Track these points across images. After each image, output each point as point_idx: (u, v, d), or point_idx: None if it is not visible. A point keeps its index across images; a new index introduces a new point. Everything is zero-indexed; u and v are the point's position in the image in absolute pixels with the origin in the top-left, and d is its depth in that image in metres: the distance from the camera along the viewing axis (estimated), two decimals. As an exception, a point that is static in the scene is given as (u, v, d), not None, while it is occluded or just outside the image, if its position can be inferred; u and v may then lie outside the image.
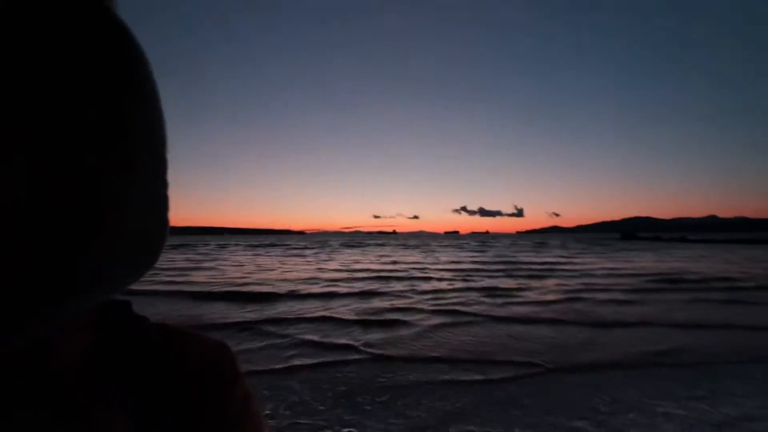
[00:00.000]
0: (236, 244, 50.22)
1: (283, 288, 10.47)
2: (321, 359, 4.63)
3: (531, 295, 9.44)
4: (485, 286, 11.04)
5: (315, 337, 5.56)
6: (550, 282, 11.93)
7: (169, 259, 21.79)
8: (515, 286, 11.00)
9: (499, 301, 8.69)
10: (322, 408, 3.32)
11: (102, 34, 0.23)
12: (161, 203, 0.27)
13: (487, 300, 8.80)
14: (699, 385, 3.78)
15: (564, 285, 11.15)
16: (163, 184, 0.27)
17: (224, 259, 22.27)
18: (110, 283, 0.25)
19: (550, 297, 9.12)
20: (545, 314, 7.15)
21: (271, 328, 6.05)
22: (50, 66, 0.20)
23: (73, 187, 0.21)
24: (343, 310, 7.55)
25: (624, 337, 5.58)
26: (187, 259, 21.79)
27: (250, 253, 29.58)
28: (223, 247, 40.41)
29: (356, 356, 4.78)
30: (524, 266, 17.58)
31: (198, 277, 13.32)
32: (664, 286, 10.71)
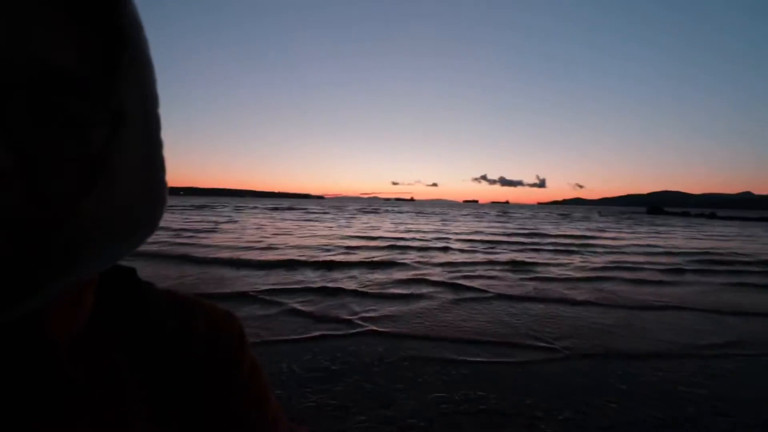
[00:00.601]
0: (254, 207, 50.41)
1: (293, 254, 10.10)
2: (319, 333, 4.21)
3: (556, 271, 8.78)
4: (508, 259, 10.40)
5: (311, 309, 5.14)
6: (577, 258, 11.18)
7: (192, 219, 21.91)
8: (542, 261, 10.33)
9: (521, 276, 8.08)
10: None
11: None
12: (156, 163, 0.27)
13: (510, 275, 8.20)
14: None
15: (591, 262, 10.39)
16: (157, 143, 0.27)
17: (242, 223, 22.15)
18: (106, 248, 0.25)
19: (578, 274, 8.45)
20: (574, 294, 6.51)
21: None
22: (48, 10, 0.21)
23: (59, 140, 0.21)
24: (351, 283, 7.09)
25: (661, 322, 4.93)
26: (203, 220, 21.76)
27: (266, 217, 29.42)
28: (239, 209, 40.54)
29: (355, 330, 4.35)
30: (549, 239, 16.77)
31: (212, 239, 13.12)
32: (704, 267, 9.83)
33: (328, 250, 11.13)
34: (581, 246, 14.35)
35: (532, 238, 17.42)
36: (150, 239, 0.29)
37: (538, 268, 9.17)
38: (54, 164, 0.21)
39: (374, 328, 4.46)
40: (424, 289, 6.57)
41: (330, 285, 6.58)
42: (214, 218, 23.99)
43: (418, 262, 9.56)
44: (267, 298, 5.65)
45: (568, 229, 24.47)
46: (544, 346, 4.11)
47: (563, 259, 10.99)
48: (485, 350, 3.93)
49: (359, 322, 4.66)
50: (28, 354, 0.24)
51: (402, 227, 21.80)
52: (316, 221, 24.84)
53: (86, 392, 0.26)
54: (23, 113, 0.20)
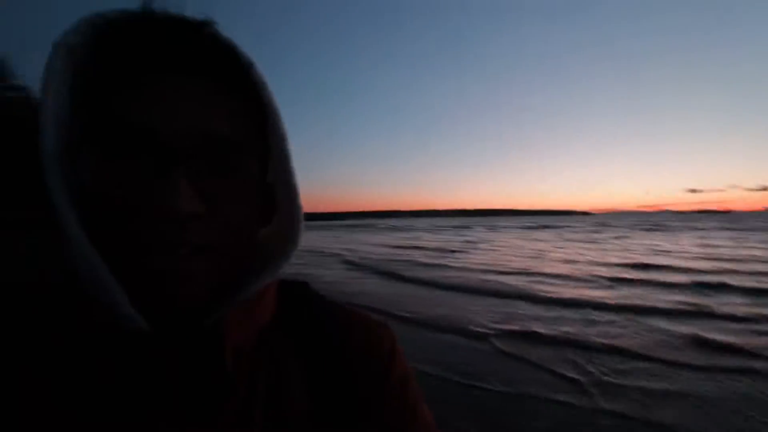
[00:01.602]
0: (505, 226, 49.78)
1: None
2: None
3: None
4: None
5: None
6: None
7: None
8: None
9: None
10: None
11: (236, 63, 0.34)
12: (293, 190, 0.37)
13: None
14: None
15: None
16: (291, 173, 0.37)
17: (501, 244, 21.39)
18: (275, 263, 0.36)
19: None
20: None
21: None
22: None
23: (232, 184, 0.33)
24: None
25: None
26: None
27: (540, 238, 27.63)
28: (492, 228, 40.69)
29: None
30: None
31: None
32: None
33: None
34: None
35: None
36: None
37: None
38: (233, 202, 0.33)
39: None
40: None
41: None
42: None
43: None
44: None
45: None
46: None
47: None
48: None
49: None
50: (204, 359, 0.32)
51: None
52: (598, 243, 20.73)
53: (235, 396, 0.33)
54: (206, 170, 0.32)
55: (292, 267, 0.37)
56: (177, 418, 0.31)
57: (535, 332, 4.93)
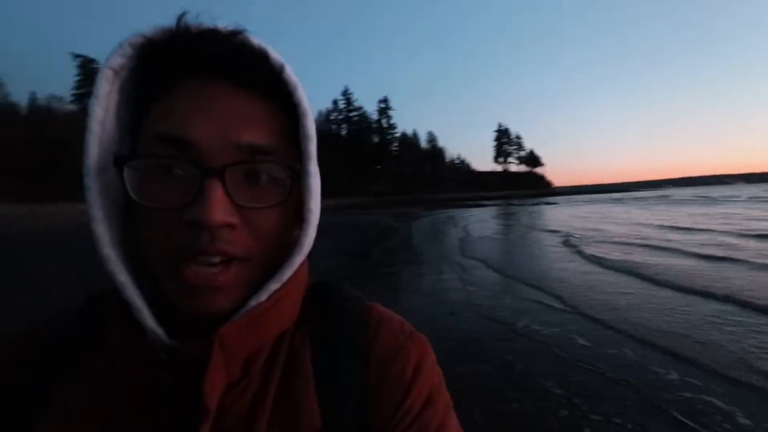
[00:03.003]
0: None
1: None
2: None
3: None
4: None
5: None
6: None
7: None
8: None
9: None
10: None
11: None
12: (310, 192, 0.37)
13: None
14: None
15: None
16: (309, 176, 0.37)
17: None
18: (293, 263, 0.37)
19: None
20: None
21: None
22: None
23: (266, 193, 0.34)
24: None
25: None
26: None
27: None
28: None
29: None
30: None
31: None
32: None
33: None
34: None
35: None
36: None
37: None
38: (268, 211, 0.34)
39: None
40: None
41: None
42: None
43: None
44: None
45: None
46: None
47: None
48: None
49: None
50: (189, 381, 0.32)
51: None
52: None
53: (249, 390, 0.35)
54: (242, 181, 0.33)
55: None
56: None
57: None
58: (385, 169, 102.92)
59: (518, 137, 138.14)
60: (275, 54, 0.36)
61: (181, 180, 0.32)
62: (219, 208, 0.31)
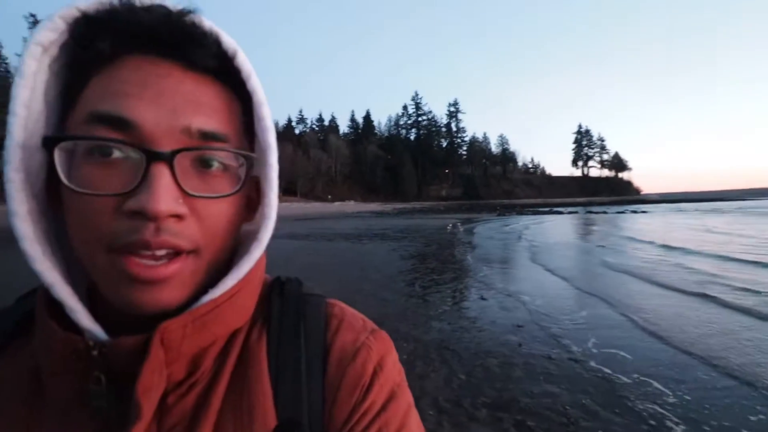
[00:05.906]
0: None
1: None
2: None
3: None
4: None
5: None
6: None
7: None
8: None
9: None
10: None
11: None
12: (270, 185, 0.36)
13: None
14: None
15: None
16: (271, 167, 0.36)
17: None
18: (237, 263, 0.35)
19: None
20: None
21: None
22: None
23: (217, 182, 0.32)
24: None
25: None
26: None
27: None
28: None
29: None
30: None
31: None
32: None
33: None
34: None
35: None
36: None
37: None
38: (218, 201, 0.31)
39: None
40: None
41: None
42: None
43: None
44: None
45: None
46: None
47: None
48: None
49: None
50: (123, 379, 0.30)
51: None
52: None
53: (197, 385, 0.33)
54: (190, 169, 0.30)
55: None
56: None
57: None
58: (454, 173, 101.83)
59: (601, 139, 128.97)
60: (228, 38, 0.33)
61: (121, 165, 0.28)
62: (166, 196, 0.27)
